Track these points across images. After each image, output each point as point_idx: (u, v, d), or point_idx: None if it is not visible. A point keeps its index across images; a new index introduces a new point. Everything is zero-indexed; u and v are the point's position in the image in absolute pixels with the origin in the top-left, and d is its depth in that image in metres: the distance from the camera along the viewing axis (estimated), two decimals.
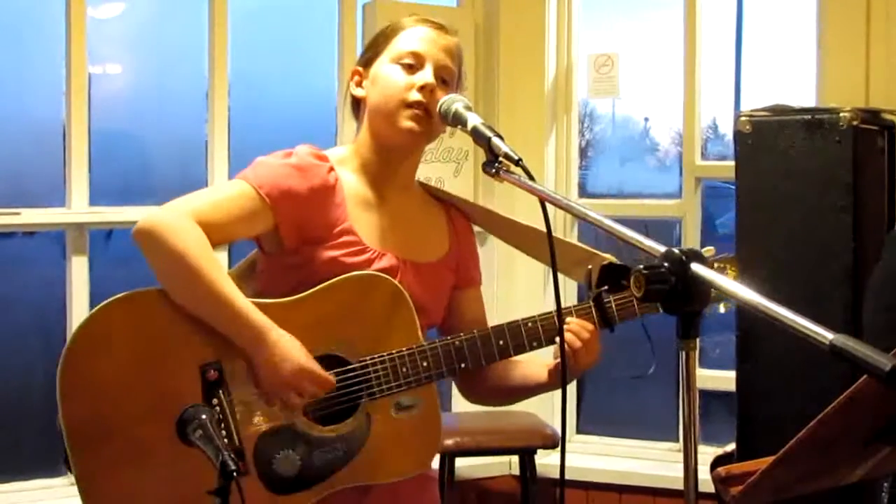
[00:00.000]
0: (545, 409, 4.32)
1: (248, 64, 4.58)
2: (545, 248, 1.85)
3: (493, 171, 1.85)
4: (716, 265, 2.07)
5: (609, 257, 2.10)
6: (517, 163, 1.81)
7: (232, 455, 1.65)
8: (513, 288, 4.39)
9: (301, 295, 1.97)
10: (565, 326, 2.01)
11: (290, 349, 1.90)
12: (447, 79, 2.07)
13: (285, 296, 1.98)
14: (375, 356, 1.98)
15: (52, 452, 4.03)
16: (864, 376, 1.49)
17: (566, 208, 1.73)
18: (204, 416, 1.77)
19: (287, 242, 2.00)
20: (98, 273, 4.08)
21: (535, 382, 2.15)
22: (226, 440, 1.89)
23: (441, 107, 1.99)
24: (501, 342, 2.03)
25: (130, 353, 1.91)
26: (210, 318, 1.90)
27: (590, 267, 2.04)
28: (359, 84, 2.12)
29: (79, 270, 3.86)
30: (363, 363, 1.98)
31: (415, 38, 2.07)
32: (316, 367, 1.92)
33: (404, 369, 1.98)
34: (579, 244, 2.20)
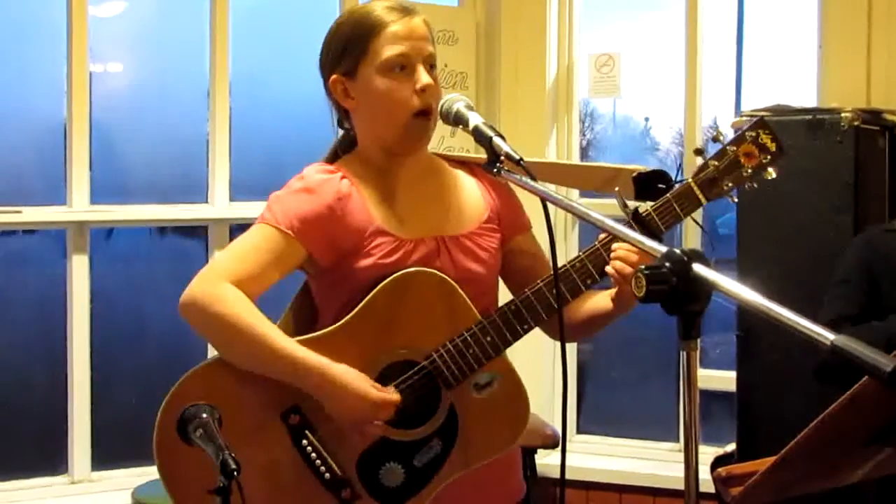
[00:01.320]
0: (546, 408, 4.32)
1: (250, 62, 4.57)
2: (573, 179, 1.80)
3: (495, 170, 1.85)
4: (747, 135, 2.00)
5: (637, 167, 2.08)
6: (518, 162, 1.81)
7: (232, 454, 1.65)
8: None
9: (348, 317, 1.99)
10: (612, 255, 1.97)
11: (350, 384, 1.93)
12: (433, 63, 2.07)
13: (340, 311, 2.01)
14: (440, 348, 1.99)
15: (53, 450, 4.02)
16: (865, 377, 1.49)
17: (567, 208, 1.73)
18: (205, 415, 1.77)
19: (323, 262, 2.03)
20: (98, 271, 4.08)
21: (604, 311, 2.11)
22: (327, 475, 1.97)
23: (442, 107, 1.99)
24: (556, 291, 2.00)
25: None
26: (270, 374, 1.95)
27: (616, 189, 2.00)
28: (346, 94, 2.08)
29: (79, 269, 3.86)
30: (430, 359, 1.99)
31: (395, 38, 2.02)
32: (377, 393, 1.94)
33: (471, 351, 1.99)
34: (604, 164, 2.17)
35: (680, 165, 2.07)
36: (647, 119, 8.71)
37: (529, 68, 4.46)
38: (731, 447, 3.40)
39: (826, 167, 3.18)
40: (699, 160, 2.03)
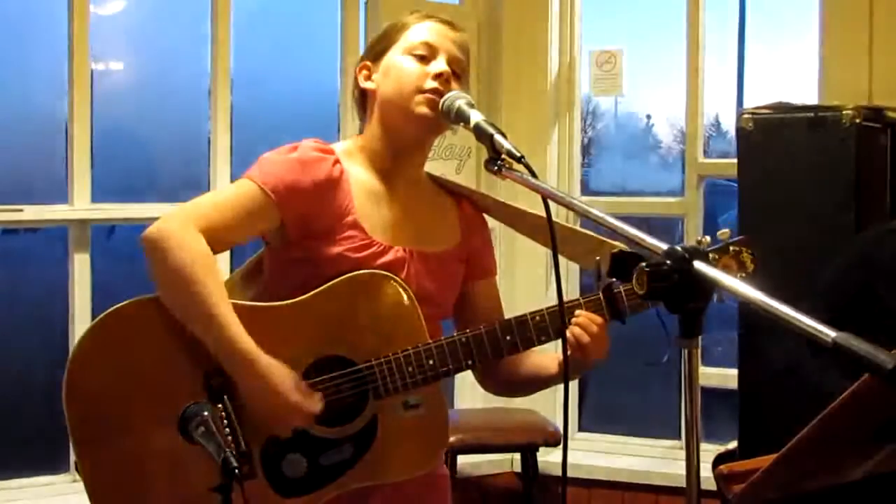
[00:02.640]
0: (547, 406, 4.32)
1: (251, 60, 4.58)
2: (559, 237, 1.83)
3: (496, 168, 1.85)
4: (731, 249, 2.04)
5: (619, 245, 2.08)
6: (519, 160, 1.81)
7: (234, 452, 1.65)
8: (514, 283, 4.38)
9: (303, 297, 1.97)
10: (574, 319, 1.99)
11: (275, 381, 1.89)
12: (459, 72, 2.08)
13: (291, 292, 1.98)
14: (381, 357, 1.97)
15: (55, 449, 4.03)
16: (867, 375, 1.49)
17: (569, 206, 1.73)
18: (206, 413, 1.77)
19: (292, 236, 2.01)
20: (100, 269, 4.08)
21: (547, 375, 2.12)
22: (231, 443, 1.91)
23: (444, 104, 1.99)
24: (509, 337, 2.01)
25: (134, 358, 1.94)
26: (201, 339, 1.91)
27: (598, 258, 2.02)
28: (368, 77, 2.11)
29: (81, 267, 3.86)
30: (368, 364, 1.97)
31: (426, 30, 2.08)
32: (297, 396, 1.91)
33: (410, 368, 1.97)
34: (590, 233, 2.18)
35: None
36: (648, 116, 8.73)
37: (531, 66, 4.46)
38: (733, 445, 3.40)
39: (827, 165, 3.18)
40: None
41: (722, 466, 2.17)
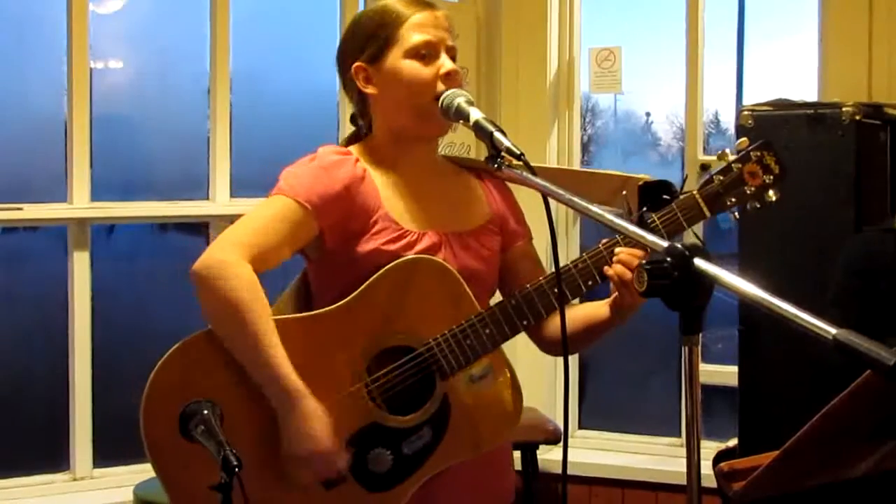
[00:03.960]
0: (547, 404, 4.32)
1: (250, 59, 4.57)
2: (583, 187, 1.82)
3: (496, 165, 1.85)
4: (752, 155, 2.04)
5: (644, 176, 2.09)
6: (519, 157, 1.81)
7: (233, 450, 1.65)
8: None
9: (348, 298, 1.98)
10: (614, 258, 1.98)
11: (314, 427, 1.91)
12: (454, 56, 2.10)
13: (337, 298, 1.99)
14: (438, 337, 1.99)
15: (54, 447, 4.02)
16: (868, 371, 1.49)
17: (568, 203, 1.72)
18: (206, 412, 1.77)
19: (329, 245, 2.03)
20: (100, 268, 4.08)
21: (600, 320, 2.09)
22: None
23: (443, 101, 1.99)
24: (556, 289, 2.00)
25: (205, 388, 1.93)
26: (250, 371, 1.93)
27: (624, 192, 2.03)
28: (367, 81, 2.11)
29: (80, 266, 3.86)
30: (428, 346, 1.99)
31: (420, 27, 2.07)
32: (332, 448, 1.93)
33: (468, 341, 1.99)
34: (612, 171, 2.18)
35: (684, 180, 2.10)
36: (648, 114, 8.72)
37: (530, 63, 4.45)
38: (733, 442, 3.40)
39: (827, 161, 3.17)
40: (705, 175, 2.06)
41: (722, 464, 2.16)
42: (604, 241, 2.02)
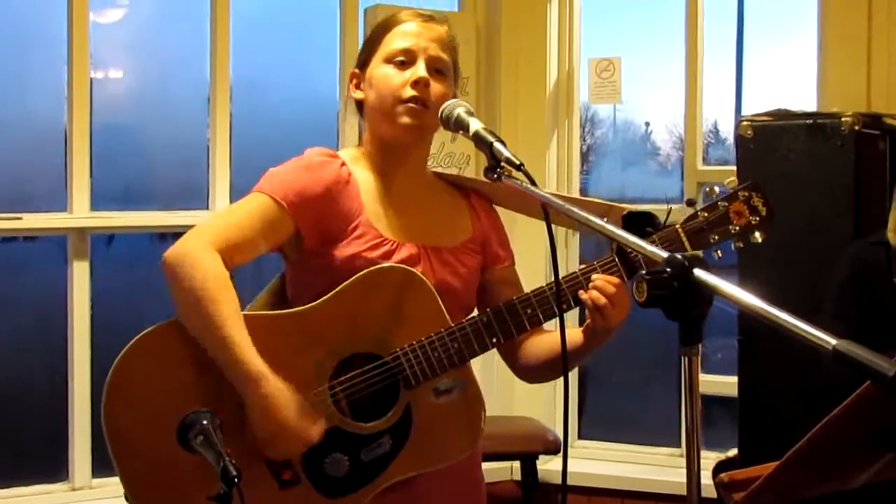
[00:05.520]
0: (547, 414, 4.32)
1: (250, 68, 4.58)
2: (568, 217, 1.81)
3: (495, 176, 1.85)
4: (740, 195, 2.05)
5: (629, 207, 2.09)
6: (519, 168, 1.81)
7: (232, 460, 1.65)
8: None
9: (321, 300, 1.98)
10: (590, 284, 1.98)
11: (281, 404, 1.90)
12: (441, 68, 2.09)
13: (313, 300, 1.99)
14: (406, 346, 1.98)
15: (53, 457, 4.01)
16: (867, 382, 1.49)
17: (567, 213, 1.72)
18: (205, 422, 1.76)
19: (308, 244, 2.03)
20: (99, 278, 4.08)
21: (575, 346, 2.07)
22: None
23: (443, 112, 1.99)
24: (529, 310, 2.00)
25: (165, 379, 1.96)
26: (214, 358, 1.93)
27: (605, 219, 2.03)
28: (357, 86, 2.15)
29: (80, 275, 3.86)
30: (395, 355, 1.98)
31: (404, 34, 2.09)
32: (301, 427, 1.91)
33: (436, 354, 1.98)
34: (598, 199, 2.18)
35: (668, 214, 2.08)
36: (647, 124, 8.73)
37: (530, 73, 4.46)
38: (733, 452, 3.39)
39: (826, 171, 3.18)
40: (689, 210, 2.06)
41: (723, 474, 2.16)
42: (581, 266, 2.02)
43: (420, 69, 2.06)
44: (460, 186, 2.23)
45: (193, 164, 4.28)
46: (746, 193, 2.06)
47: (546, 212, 1.82)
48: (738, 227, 2.05)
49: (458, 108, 1.98)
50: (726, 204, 2.05)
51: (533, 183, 1.80)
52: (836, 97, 3.79)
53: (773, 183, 3.22)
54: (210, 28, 4.08)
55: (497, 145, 1.86)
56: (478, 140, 1.91)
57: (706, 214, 2.05)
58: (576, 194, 4.55)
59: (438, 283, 2.04)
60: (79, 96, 3.85)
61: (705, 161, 4.34)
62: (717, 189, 2.06)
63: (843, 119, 3.18)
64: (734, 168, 3.35)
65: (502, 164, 1.84)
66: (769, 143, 3.25)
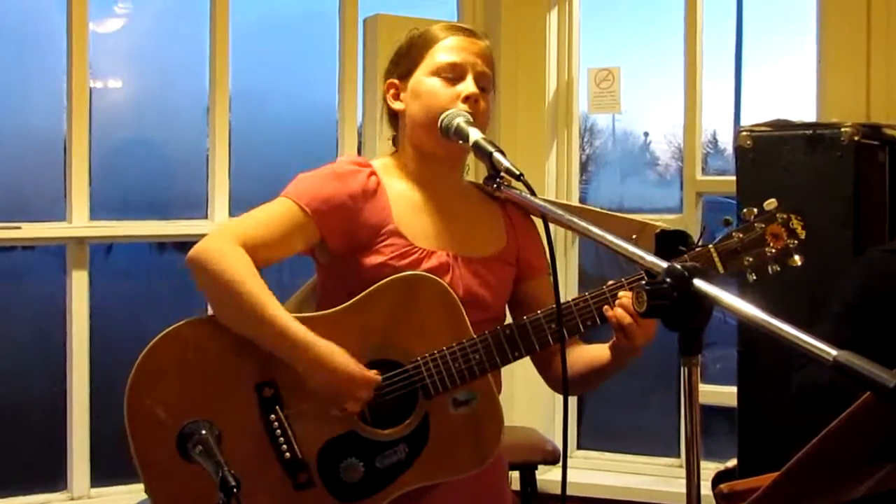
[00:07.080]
0: (546, 424, 4.31)
1: (249, 78, 4.58)
2: (596, 222, 1.79)
3: (495, 186, 1.86)
4: (778, 216, 2.01)
5: (661, 224, 2.07)
6: (518, 178, 1.82)
7: (232, 471, 1.64)
8: None
9: (346, 304, 1.98)
10: (617, 301, 1.95)
11: (333, 360, 1.91)
12: (485, 85, 2.10)
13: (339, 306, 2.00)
14: (427, 356, 1.98)
15: (52, 467, 4.00)
16: (867, 393, 1.49)
17: (568, 224, 1.73)
18: (204, 432, 1.76)
19: (335, 251, 2.04)
20: (98, 287, 4.07)
21: (601, 364, 2.07)
22: (287, 455, 1.95)
23: (442, 122, 2.00)
24: (553, 325, 1.98)
25: (185, 383, 1.97)
26: (257, 339, 1.94)
27: (634, 237, 2.01)
28: (396, 97, 2.14)
29: (79, 284, 3.85)
30: (415, 364, 1.98)
31: (451, 48, 2.08)
32: (358, 370, 1.92)
33: (456, 364, 1.97)
34: (628, 216, 2.16)
35: (701, 233, 2.04)
36: (646, 134, 8.72)
37: (529, 83, 4.47)
38: (733, 463, 3.39)
39: (826, 182, 3.18)
40: (724, 229, 2.02)
41: (722, 485, 2.16)
42: (609, 282, 2.00)
43: (470, 85, 2.05)
44: (499, 199, 2.21)
45: (193, 173, 4.28)
46: (785, 216, 2.03)
47: (546, 223, 1.82)
48: (774, 250, 2.02)
49: (457, 117, 1.99)
50: (763, 226, 2.01)
51: (532, 193, 1.80)
52: (835, 108, 3.79)
53: (772, 194, 3.23)
54: (209, 37, 4.08)
55: (497, 155, 1.86)
56: (477, 150, 1.91)
57: (741, 235, 2.02)
58: (575, 204, 4.55)
59: (466, 293, 2.04)
60: (78, 106, 3.85)
61: (704, 171, 4.34)
62: (755, 211, 2.03)
63: (842, 130, 3.18)
64: (733, 178, 3.35)
65: (502, 173, 1.85)
66: (769, 154, 3.25)
